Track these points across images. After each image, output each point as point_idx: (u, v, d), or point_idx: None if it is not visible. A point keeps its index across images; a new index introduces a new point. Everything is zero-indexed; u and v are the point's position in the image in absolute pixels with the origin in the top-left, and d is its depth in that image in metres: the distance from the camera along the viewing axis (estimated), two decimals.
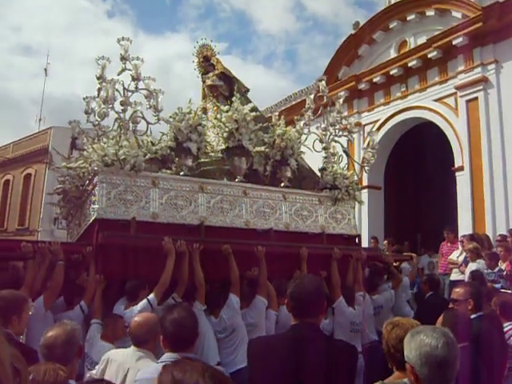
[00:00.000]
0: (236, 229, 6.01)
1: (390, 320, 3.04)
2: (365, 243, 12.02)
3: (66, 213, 7.14)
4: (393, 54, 13.67)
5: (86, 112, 6.35)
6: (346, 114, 14.28)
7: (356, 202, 7.45)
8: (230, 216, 6.02)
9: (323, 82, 7.81)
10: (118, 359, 3.45)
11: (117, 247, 5.09)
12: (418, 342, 2.23)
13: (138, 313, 4.21)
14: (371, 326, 6.25)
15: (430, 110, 12.59)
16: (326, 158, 7.35)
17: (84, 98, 6.30)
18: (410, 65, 12.88)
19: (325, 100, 7.73)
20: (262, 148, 6.64)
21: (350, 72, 14.72)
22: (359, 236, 7.42)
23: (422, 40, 12.76)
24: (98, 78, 6.00)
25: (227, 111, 6.26)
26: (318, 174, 7.34)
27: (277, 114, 7.25)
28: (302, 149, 7.05)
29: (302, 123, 7.32)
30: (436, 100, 12.49)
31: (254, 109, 6.55)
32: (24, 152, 25.58)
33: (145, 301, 4.63)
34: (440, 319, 3.49)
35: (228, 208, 6.04)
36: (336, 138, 7.52)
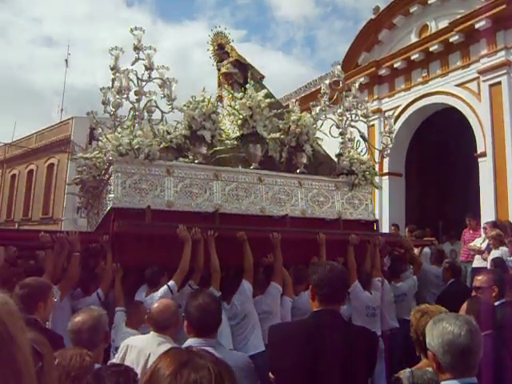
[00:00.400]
0: (251, 216, 5.99)
1: (419, 307, 3.06)
2: (385, 230, 12.10)
3: (85, 202, 7.24)
4: (414, 38, 13.42)
5: (103, 102, 6.34)
6: (366, 99, 14.28)
7: (374, 187, 7.37)
8: (245, 203, 6.01)
9: (339, 67, 7.69)
10: (138, 345, 3.47)
11: (132, 236, 5.12)
12: (441, 330, 2.22)
13: (158, 299, 4.24)
14: (392, 312, 6.22)
15: (452, 95, 12.35)
16: (342, 143, 7.26)
17: (101, 89, 6.33)
18: (431, 49, 12.65)
19: (340, 85, 7.66)
20: (277, 134, 6.57)
21: (370, 58, 14.52)
22: (377, 221, 7.33)
23: (443, 24, 12.48)
24: (112, 69, 6.03)
25: (241, 98, 6.23)
26: (335, 159, 7.27)
27: (294, 100, 7.22)
28: (319, 134, 6.98)
29: (317, 109, 7.21)
30: (458, 85, 12.24)
31: (268, 95, 6.49)
32: (47, 142, 26.00)
33: (165, 287, 4.67)
34: (464, 307, 3.45)
35: (243, 195, 6.03)
36: (353, 124, 7.42)
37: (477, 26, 11.35)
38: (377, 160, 7.47)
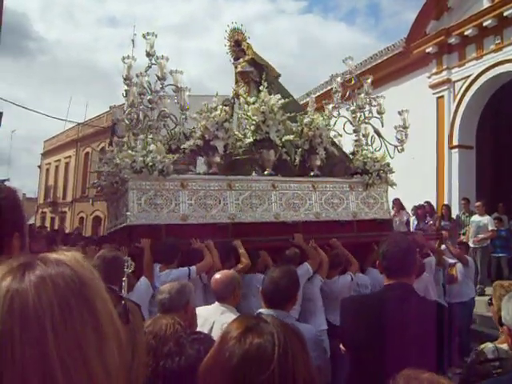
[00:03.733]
0: (266, 223, 6.06)
1: (501, 283, 3.02)
2: (455, 205, 12.08)
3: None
4: (486, 3, 12.24)
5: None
6: (434, 70, 13.39)
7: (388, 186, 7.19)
8: (259, 211, 6.08)
9: (351, 62, 7.32)
10: (203, 314, 3.59)
11: None
12: None
13: (175, 278, 4.43)
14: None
15: None
16: (356, 141, 7.11)
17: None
18: (505, 14, 11.52)
19: (353, 82, 7.32)
20: (291, 137, 6.46)
21: (439, 26, 13.51)
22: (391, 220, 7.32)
23: None
24: (125, 79, 6.00)
25: (254, 103, 6.16)
26: (351, 157, 7.14)
27: (313, 96, 7.13)
28: (334, 132, 6.95)
29: (330, 106, 7.13)
30: None
31: (284, 96, 6.38)
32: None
33: (186, 269, 4.93)
34: None
35: (257, 203, 6.08)
36: (367, 120, 7.16)
37: None
38: (392, 155, 7.10)
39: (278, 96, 6.32)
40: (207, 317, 3.58)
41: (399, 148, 7.20)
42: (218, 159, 6.00)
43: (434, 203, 12.21)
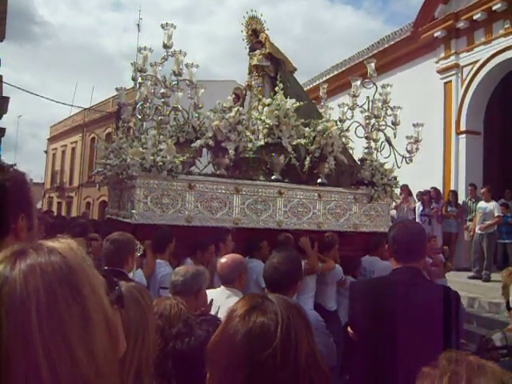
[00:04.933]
0: (268, 230, 5.99)
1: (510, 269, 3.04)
2: (462, 191, 12.12)
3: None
4: None
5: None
6: (442, 55, 13.24)
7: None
8: (263, 217, 6.03)
9: (372, 65, 7.09)
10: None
11: None
12: None
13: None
14: None
15: None
16: (366, 148, 7.00)
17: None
18: None
19: (372, 85, 7.09)
20: (302, 141, 6.38)
21: (447, 10, 13.31)
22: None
23: None
24: (139, 71, 5.91)
25: (269, 104, 6.03)
26: (358, 163, 7.07)
27: (325, 87, 6.85)
28: (347, 133, 6.87)
29: (346, 108, 6.96)
30: None
31: (298, 94, 6.32)
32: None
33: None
34: None
35: (262, 208, 6.03)
36: (381, 128, 7.08)
37: None
38: (399, 165, 6.99)
39: (293, 100, 6.19)
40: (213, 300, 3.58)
41: (407, 159, 7.11)
42: (227, 161, 5.94)
43: (440, 189, 12.19)
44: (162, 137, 5.65)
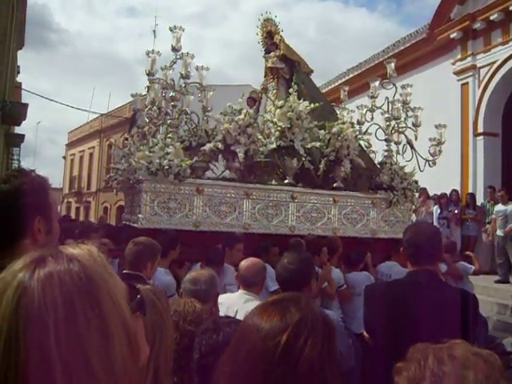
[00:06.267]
0: (280, 235, 5.78)
1: None
2: (480, 193, 11.90)
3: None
4: None
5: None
6: (459, 57, 13.06)
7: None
8: (274, 222, 5.85)
9: (392, 65, 6.87)
10: (226, 302, 3.55)
11: None
12: None
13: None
14: None
15: None
16: (386, 151, 6.78)
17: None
18: None
19: (391, 86, 6.86)
20: (317, 144, 6.17)
21: (463, 11, 13.06)
22: None
23: None
24: (148, 74, 5.88)
25: (281, 107, 5.90)
26: (378, 166, 6.82)
27: (346, 89, 6.53)
28: (366, 137, 6.69)
29: (365, 110, 6.73)
30: None
31: (314, 95, 6.10)
32: None
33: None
34: None
35: (273, 213, 5.87)
36: (401, 130, 6.82)
37: None
38: (422, 169, 6.76)
39: (306, 103, 6.02)
40: (230, 305, 3.52)
41: (430, 163, 6.89)
42: (237, 165, 5.82)
43: (458, 191, 12.04)
44: (169, 140, 5.58)
